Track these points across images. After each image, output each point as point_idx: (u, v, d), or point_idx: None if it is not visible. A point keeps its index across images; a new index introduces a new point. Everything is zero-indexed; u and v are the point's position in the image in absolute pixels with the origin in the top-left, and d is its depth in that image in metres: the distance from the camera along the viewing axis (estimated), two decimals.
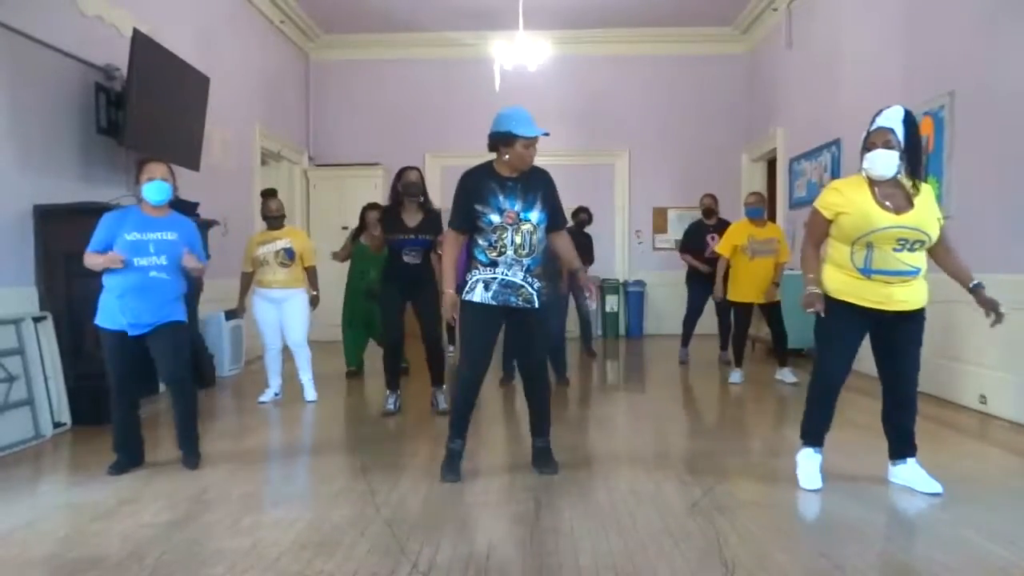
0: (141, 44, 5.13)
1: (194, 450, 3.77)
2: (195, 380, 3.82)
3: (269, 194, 5.61)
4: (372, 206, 6.53)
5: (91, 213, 4.67)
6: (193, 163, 5.89)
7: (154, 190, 3.59)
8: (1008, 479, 3.49)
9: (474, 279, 3.44)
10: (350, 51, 9.92)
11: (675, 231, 9.42)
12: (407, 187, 4.82)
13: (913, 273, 3.08)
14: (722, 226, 7.05)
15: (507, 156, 3.40)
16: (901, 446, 3.27)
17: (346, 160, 9.68)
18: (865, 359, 3.33)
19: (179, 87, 5.75)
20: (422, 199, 4.85)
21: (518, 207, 3.40)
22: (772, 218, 8.01)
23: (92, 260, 3.55)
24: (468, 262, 3.51)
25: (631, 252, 10.08)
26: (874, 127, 3.12)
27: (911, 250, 3.06)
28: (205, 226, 5.60)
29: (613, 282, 9.82)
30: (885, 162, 3.06)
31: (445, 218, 3.77)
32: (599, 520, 2.90)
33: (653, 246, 10.02)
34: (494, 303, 3.42)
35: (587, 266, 7.70)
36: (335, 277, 6.86)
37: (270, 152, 8.60)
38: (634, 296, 9.82)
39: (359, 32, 9.68)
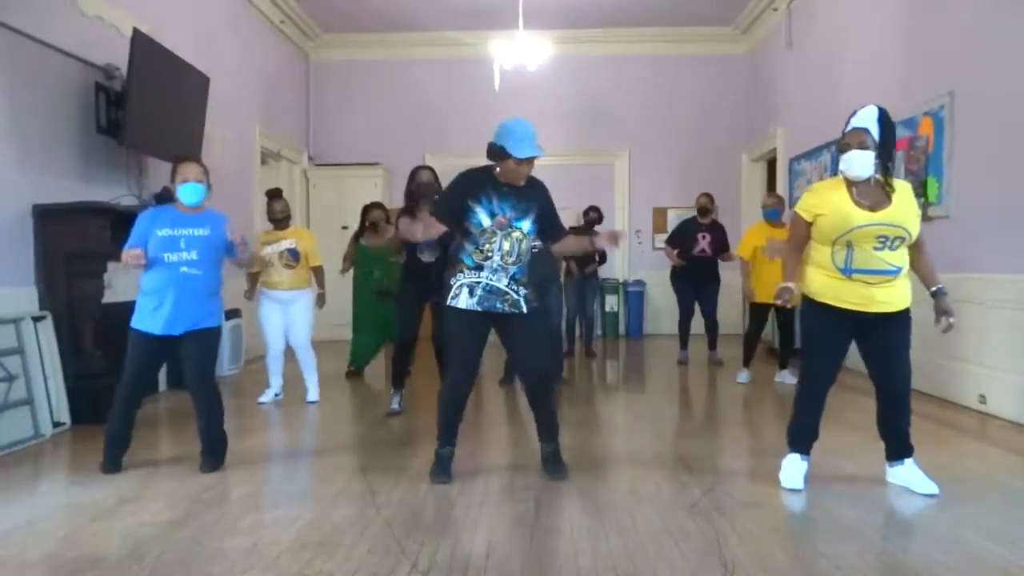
0: (141, 44, 5.13)
1: (213, 454, 3.69)
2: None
3: (274, 195, 5.58)
4: (373, 205, 6.54)
5: (91, 213, 4.71)
6: None
7: (188, 192, 3.60)
8: (1008, 479, 3.48)
9: (458, 283, 3.39)
10: (350, 51, 9.92)
11: None
12: (421, 187, 4.82)
13: (894, 272, 3.07)
14: (715, 227, 7.13)
15: (499, 169, 3.39)
16: (897, 447, 3.27)
17: (346, 160, 9.68)
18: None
19: (179, 87, 5.75)
20: (437, 197, 4.84)
21: (510, 214, 3.38)
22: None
23: (126, 257, 3.54)
24: (453, 265, 3.46)
25: (631, 252, 10.08)
26: (849, 128, 3.12)
27: (892, 248, 3.05)
28: None
29: (613, 282, 9.82)
30: (861, 163, 3.05)
31: None
32: (599, 520, 2.90)
33: (653, 246, 10.01)
34: (479, 308, 3.38)
35: (599, 265, 7.80)
36: (343, 278, 6.81)
37: (270, 152, 8.60)
38: (634, 296, 9.83)
39: (359, 32, 9.68)
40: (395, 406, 4.96)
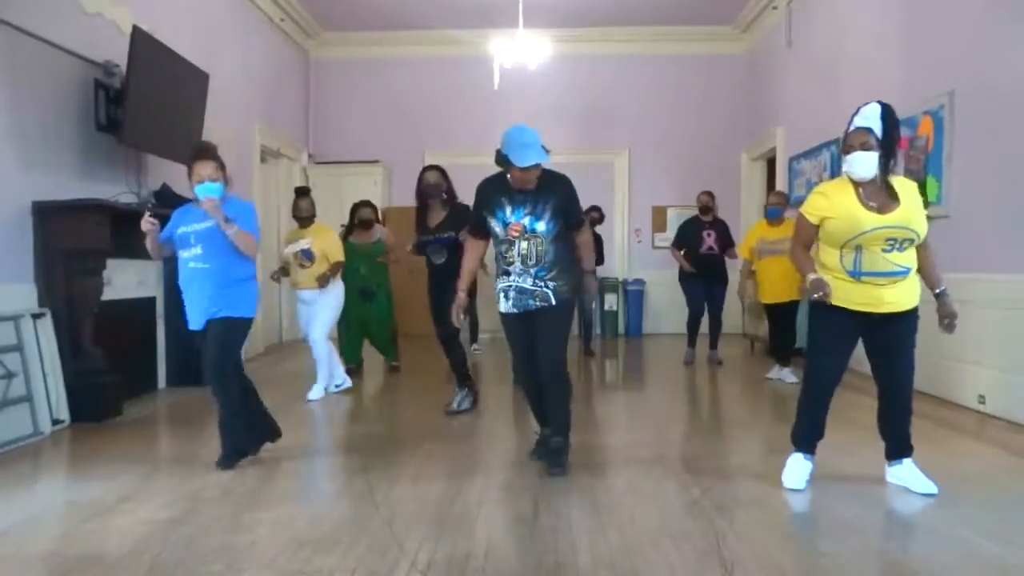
0: (141, 41, 5.12)
1: (226, 450, 3.65)
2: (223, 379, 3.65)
3: (301, 192, 5.73)
4: (363, 203, 6.54)
5: (90, 210, 4.70)
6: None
7: (203, 192, 3.53)
8: (1007, 479, 3.49)
9: (498, 288, 3.60)
10: (350, 49, 9.91)
11: (674, 230, 9.39)
12: (426, 189, 4.86)
13: (903, 273, 3.05)
14: (718, 224, 7.08)
15: (509, 177, 3.47)
16: (897, 447, 3.26)
17: (346, 158, 9.67)
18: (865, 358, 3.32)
19: (178, 84, 5.74)
20: (445, 196, 4.85)
21: (525, 220, 3.44)
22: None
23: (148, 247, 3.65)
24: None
25: (631, 251, 10.08)
26: (852, 127, 3.09)
27: (900, 250, 3.03)
28: None
29: (612, 281, 9.82)
30: (865, 164, 3.03)
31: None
32: (598, 519, 2.90)
33: (653, 245, 10.02)
34: (516, 311, 3.54)
35: (597, 265, 7.79)
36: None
37: (270, 149, 8.59)
38: (633, 295, 9.83)
39: (359, 30, 9.67)
40: (463, 404, 4.90)
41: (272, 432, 3.88)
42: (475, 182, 3.69)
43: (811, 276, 3.06)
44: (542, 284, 3.48)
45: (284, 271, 5.73)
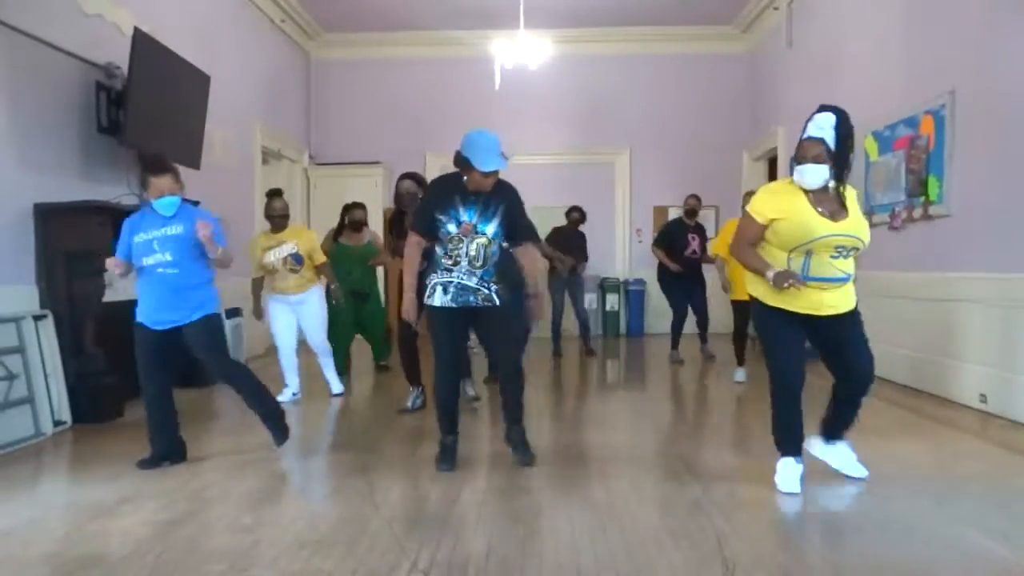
0: (142, 43, 5.13)
1: (275, 426, 3.87)
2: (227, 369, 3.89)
3: (274, 193, 5.54)
4: (355, 205, 6.50)
5: (91, 212, 4.71)
6: (194, 162, 5.90)
7: (164, 206, 3.63)
8: (1008, 478, 3.48)
9: (432, 283, 3.54)
10: (351, 50, 9.91)
11: None
12: (401, 198, 4.82)
13: (845, 280, 3.11)
14: (700, 229, 7.27)
15: (466, 179, 3.47)
16: (839, 428, 3.31)
17: (347, 159, 9.68)
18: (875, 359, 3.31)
19: (180, 86, 5.75)
20: (416, 213, 4.84)
21: (476, 220, 3.48)
22: None
23: (112, 267, 3.67)
24: (428, 266, 3.60)
25: (631, 251, 10.08)
26: (805, 136, 3.10)
27: (845, 257, 3.09)
28: None
29: (613, 281, 9.82)
30: (814, 176, 3.06)
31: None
32: (599, 519, 2.90)
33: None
34: (454, 305, 3.51)
35: (583, 263, 7.84)
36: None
37: (271, 151, 8.60)
38: (634, 295, 9.82)
39: (360, 31, 9.68)
40: (412, 403, 4.95)
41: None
42: None
43: (772, 271, 3.06)
44: (486, 284, 3.52)
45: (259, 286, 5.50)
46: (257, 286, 5.48)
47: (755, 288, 3.22)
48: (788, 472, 3.24)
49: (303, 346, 5.67)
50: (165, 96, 5.45)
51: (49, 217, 4.63)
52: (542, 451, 3.82)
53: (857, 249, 3.10)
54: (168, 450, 3.74)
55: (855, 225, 3.08)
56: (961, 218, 5.05)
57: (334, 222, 6.88)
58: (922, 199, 5.46)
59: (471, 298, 3.51)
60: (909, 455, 3.81)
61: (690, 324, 7.32)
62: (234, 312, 6.37)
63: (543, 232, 6.73)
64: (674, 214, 9.80)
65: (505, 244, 3.62)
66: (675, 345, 7.28)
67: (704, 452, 3.99)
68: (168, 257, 3.61)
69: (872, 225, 6.03)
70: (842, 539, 2.70)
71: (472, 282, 3.50)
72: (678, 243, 7.15)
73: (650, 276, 9.78)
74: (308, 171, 9.64)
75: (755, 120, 9.52)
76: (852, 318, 3.17)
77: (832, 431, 3.34)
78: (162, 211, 3.64)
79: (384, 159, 9.60)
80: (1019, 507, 3.06)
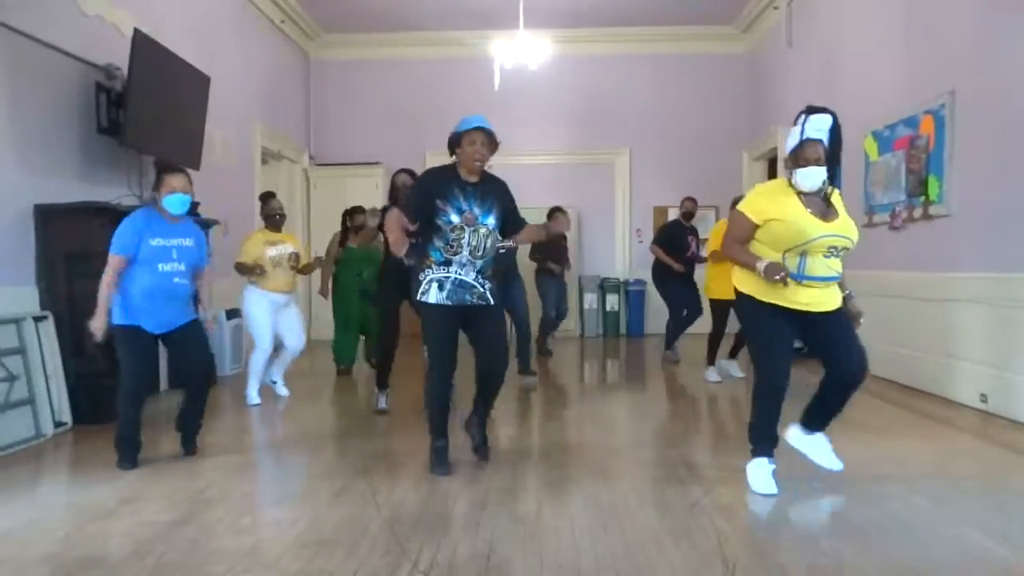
0: (142, 43, 5.13)
1: (192, 443, 3.97)
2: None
3: (271, 195, 5.68)
4: (357, 209, 6.68)
5: (92, 213, 4.71)
6: (193, 162, 5.90)
7: (175, 203, 3.73)
8: (1008, 477, 3.49)
9: (428, 279, 3.50)
10: (351, 50, 9.91)
11: None
12: (392, 192, 4.89)
13: (836, 279, 3.17)
14: (695, 231, 7.32)
15: (457, 158, 3.53)
16: (823, 420, 3.32)
17: (347, 159, 9.68)
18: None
19: (179, 86, 5.75)
20: (406, 200, 4.86)
21: (476, 210, 3.50)
22: None
23: (108, 278, 3.63)
24: (421, 261, 3.55)
25: (631, 251, 10.08)
26: (805, 138, 3.10)
27: (836, 256, 3.14)
28: (205, 225, 5.60)
29: (613, 281, 9.82)
30: (817, 178, 3.09)
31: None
32: (599, 519, 2.90)
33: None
34: (449, 303, 3.49)
35: (564, 268, 7.94)
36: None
37: (270, 151, 8.60)
38: (634, 295, 9.82)
39: (360, 31, 9.68)
40: (382, 405, 4.97)
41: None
42: None
43: (763, 263, 3.07)
44: (482, 281, 3.53)
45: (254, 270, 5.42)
46: (242, 268, 5.34)
47: (745, 284, 3.23)
48: (762, 473, 3.23)
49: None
50: (165, 97, 5.45)
51: (49, 218, 4.63)
52: (542, 450, 3.82)
53: (847, 249, 3.16)
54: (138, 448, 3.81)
55: (845, 226, 3.14)
56: (961, 218, 5.05)
57: (334, 223, 6.94)
58: (922, 199, 5.47)
59: (467, 296, 3.50)
60: (909, 455, 3.82)
61: (698, 325, 7.32)
62: (233, 313, 6.37)
63: None
64: (674, 214, 9.83)
65: (503, 245, 3.67)
66: (669, 345, 7.34)
67: (704, 452, 3.99)
68: (183, 268, 3.76)
69: (872, 225, 6.10)
70: (842, 539, 2.70)
71: (470, 277, 3.50)
72: (678, 244, 7.18)
73: (650, 276, 9.80)
74: (308, 171, 9.64)
75: (755, 120, 9.52)
76: (839, 314, 3.21)
77: (813, 422, 3.34)
78: (170, 208, 3.72)
79: (384, 159, 9.60)
80: (1019, 507, 3.06)
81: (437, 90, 9.78)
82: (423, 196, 3.50)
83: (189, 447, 3.93)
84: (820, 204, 3.14)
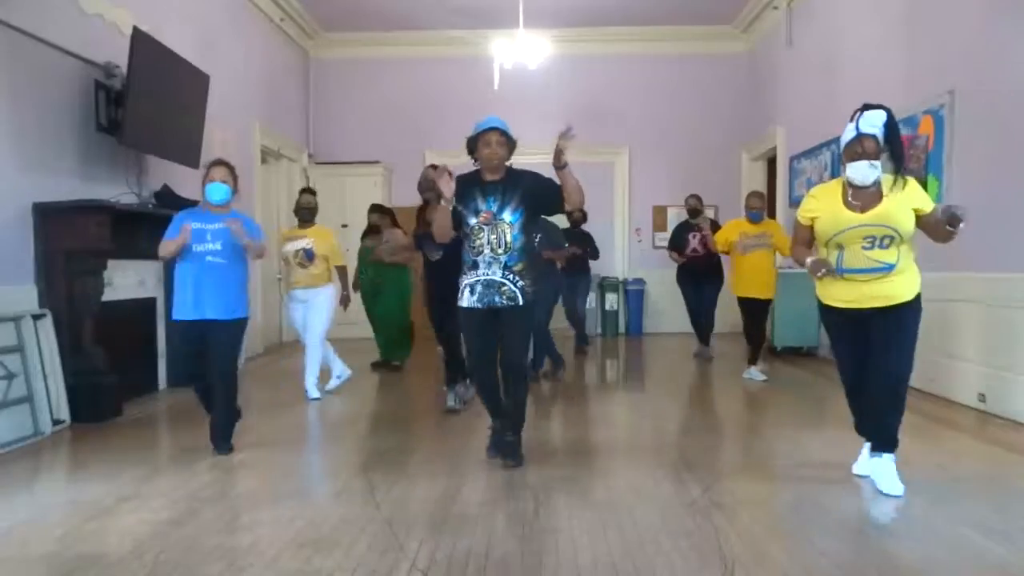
0: (141, 42, 5.12)
1: (227, 440, 3.97)
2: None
3: (305, 191, 5.86)
4: (371, 208, 6.81)
5: (90, 211, 4.70)
6: (192, 161, 5.89)
7: (212, 191, 3.91)
8: (1007, 477, 3.49)
9: (462, 284, 3.63)
10: (350, 49, 9.90)
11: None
12: (421, 184, 4.97)
13: (885, 269, 3.09)
14: (699, 228, 7.24)
15: (476, 160, 3.62)
16: (878, 441, 3.25)
17: (346, 158, 9.67)
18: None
19: (179, 85, 5.74)
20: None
21: (495, 208, 3.56)
22: (772, 216, 8.00)
23: (166, 247, 3.85)
24: (461, 268, 3.68)
25: (631, 250, 10.08)
26: (857, 133, 3.09)
27: (882, 247, 3.09)
28: None
29: (613, 280, 9.82)
30: (869, 173, 3.07)
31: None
32: (598, 518, 2.90)
33: (653, 244, 10.01)
34: (480, 306, 3.58)
35: (592, 260, 7.84)
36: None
37: (270, 150, 8.59)
38: (634, 294, 9.83)
39: (359, 30, 9.67)
40: (451, 403, 4.93)
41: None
42: None
43: (810, 259, 3.19)
44: (511, 279, 3.55)
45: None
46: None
47: (816, 287, 3.32)
48: (884, 470, 3.19)
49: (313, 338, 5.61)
50: (164, 95, 5.45)
51: (48, 216, 4.63)
52: (542, 450, 3.82)
53: (891, 238, 3.06)
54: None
55: (884, 214, 3.05)
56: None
57: (334, 222, 7.00)
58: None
59: (496, 298, 3.56)
60: (908, 455, 3.80)
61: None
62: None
63: None
64: (673, 213, 9.83)
65: (536, 237, 3.63)
66: (704, 341, 7.33)
67: (704, 451, 3.99)
68: (218, 247, 3.86)
69: None
70: (842, 538, 2.70)
71: (497, 275, 3.55)
72: (680, 244, 7.28)
73: (649, 276, 9.83)
74: (307, 170, 9.62)
75: (754, 120, 9.52)
76: (899, 317, 3.11)
77: (871, 440, 3.30)
78: (211, 196, 3.90)
79: (383, 158, 9.60)
80: (1018, 507, 3.06)
81: (436, 89, 9.77)
82: (453, 205, 3.60)
83: (220, 447, 3.92)
84: (870, 195, 3.09)
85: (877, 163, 3.07)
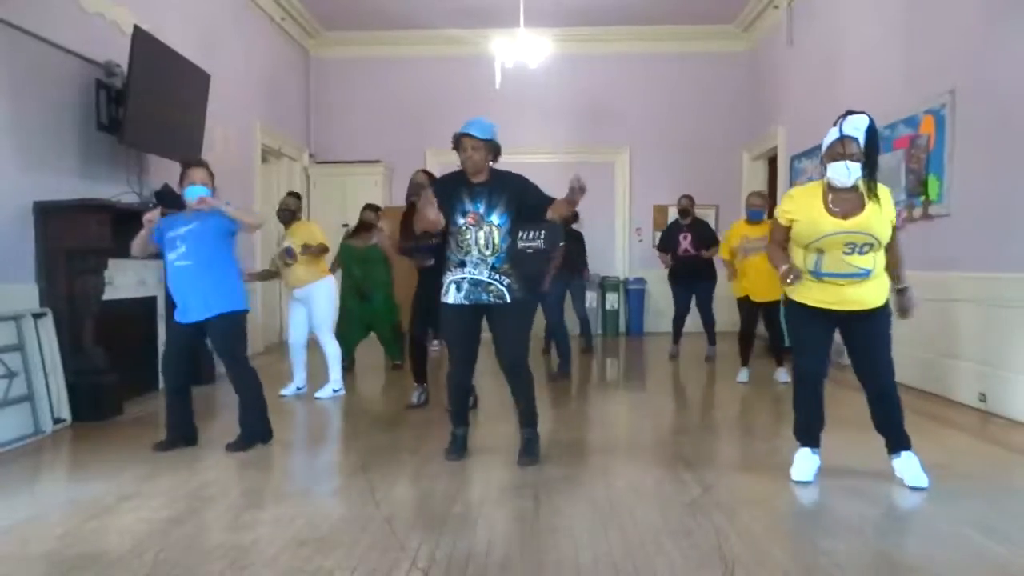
0: (142, 41, 5.12)
1: (244, 436, 4.01)
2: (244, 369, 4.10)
3: (289, 194, 5.90)
4: (365, 206, 6.75)
5: (91, 210, 4.71)
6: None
7: (191, 194, 3.90)
8: (1007, 477, 3.49)
9: (447, 281, 3.65)
10: (351, 48, 9.91)
11: None
12: (408, 189, 4.94)
13: (863, 275, 3.16)
14: (696, 226, 7.36)
15: (464, 164, 3.63)
16: (891, 440, 3.32)
17: (347, 157, 9.67)
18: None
19: (179, 84, 5.75)
20: None
21: (482, 209, 3.58)
22: (772, 216, 8.00)
23: (132, 245, 4.00)
24: (444, 265, 3.70)
25: (631, 250, 10.08)
26: (839, 135, 3.16)
27: (861, 253, 3.15)
28: None
29: (613, 280, 9.82)
30: (847, 173, 3.13)
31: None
32: (598, 517, 2.90)
33: (653, 244, 9.98)
34: (466, 302, 3.60)
35: (583, 270, 7.79)
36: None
37: (271, 149, 8.60)
38: (634, 294, 9.83)
39: (360, 29, 9.67)
40: (415, 400, 5.03)
41: (265, 433, 4.12)
42: None
43: (782, 267, 3.23)
44: (497, 278, 3.57)
45: (273, 274, 5.80)
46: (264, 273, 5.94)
47: (786, 288, 3.34)
48: (802, 462, 3.35)
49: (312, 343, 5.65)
50: (165, 94, 5.45)
51: (49, 215, 4.63)
52: (541, 448, 3.82)
53: (871, 245, 3.14)
54: (181, 436, 4.02)
55: (866, 221, 3.13)
56: (961, 217, 5.05)
57: (335, 221, 6.98)
58: (922, 198, 5.46)
59: (483, 295, 3.58)
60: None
61: (697, 323, 7.37)
62: None
63: None
64: (674, 212, 9.82)
65: (531, 245, 3.64)
66: (674, 340, 7.46)
67: (704, 451, 3.99)
68: (184, 250, 3.88)
69: None
70: (841, 538, 2.70)
71: (484, 275, 3.56)
72: (671, 244, 7.33)
73: (650, 275, 9.83)
74: (308, 170, 9.63)
75: (755, 119, 9.52)
76: (878, 321, 3.22)
77: (888, 442, 3.34)
78: (189, 200, 3.90)
79: (384, 158, 9.60)
80: (1019, 507, 3.06)
81: (437, 88, 9.77)
82: (439, 202, 3.59)
83: (235, 442, 3.97)
84: (851, 201, 3.15)
85: (856, 165, 3.12)
